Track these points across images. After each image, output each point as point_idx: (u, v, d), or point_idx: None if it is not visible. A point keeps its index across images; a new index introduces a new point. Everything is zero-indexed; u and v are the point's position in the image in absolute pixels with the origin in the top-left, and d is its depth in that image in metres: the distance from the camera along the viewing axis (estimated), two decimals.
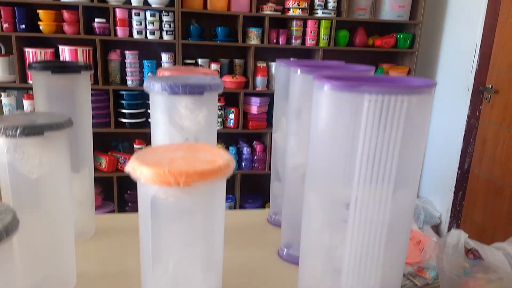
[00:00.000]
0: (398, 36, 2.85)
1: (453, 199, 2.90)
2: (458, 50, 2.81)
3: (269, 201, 3.46)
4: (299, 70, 0.74)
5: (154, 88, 0.61)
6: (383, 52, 3.05)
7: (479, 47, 2.63)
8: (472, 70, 2.68)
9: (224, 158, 0.51)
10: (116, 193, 2.88)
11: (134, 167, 0.47)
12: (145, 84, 0.64)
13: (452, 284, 1.05)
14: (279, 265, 0.87)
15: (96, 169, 2.85)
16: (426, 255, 1.46)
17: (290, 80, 0.81)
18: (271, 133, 2.98)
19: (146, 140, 2.88)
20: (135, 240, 0.84)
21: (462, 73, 2.76)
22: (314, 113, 0.57)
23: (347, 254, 0.58)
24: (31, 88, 2.72)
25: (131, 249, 0.86)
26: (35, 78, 0.80)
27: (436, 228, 3.01)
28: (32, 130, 0.62)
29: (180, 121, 0.65)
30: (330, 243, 0.60)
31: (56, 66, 0.79)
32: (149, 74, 0.53)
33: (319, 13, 2.74)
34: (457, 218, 2.92)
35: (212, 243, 0.52)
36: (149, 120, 2.84)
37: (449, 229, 2.95)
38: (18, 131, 0.61)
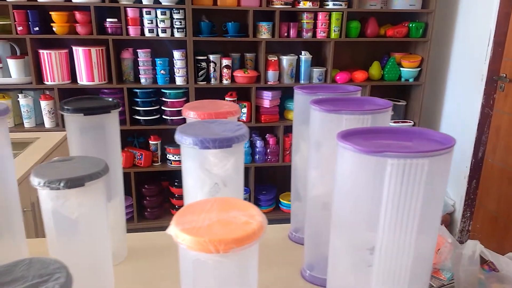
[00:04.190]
0: (410, 25, 2.83)
1: (467, 188, 2.93)
2: (472, 38, 2.78)
3: (282, 192, 3.50)
4: (318, 108, 0.77)
5: (186, 142, 0.65)
6: (395, 42, 3.03)
7: (493, 36, 2.60)
8: (486, 59, 2.66)
9: (256, 219, 0.55)
10: (134, 188, 2.95)
11: (177, 234, 0.52)
12: (176, 137, 0.68)
13: None
14: (302, 286, 0.92)
15: None
16: (441, 256, 1.50)
17: (310, 112, 0.83)
18: (284, 126, 3.01)
19: (161, 135, 2.93)
20: (167, 260, 0.95)
21: (475, 62, 2.74)
22: (338, 168, 0.60)
23: None
24: (47, 89, 2.77)
25: (164, 270, 0.92)
26: (67, 120, 0.84)
27: (450, 216, 3.05)
28: (74, 183, 0.66)
29: (209, 168, 0.69)
30: (356, 285, 0.64)
31: (88, 108, 0.83)
32: (179, 127, 0.54)
33: (330, 5, 2.72)
34: (470, 206, 2.95)
35: None
36: (163, 116, 2.88)
37: (463, 217, 2.98)
38: (62, 184, 0.66)
